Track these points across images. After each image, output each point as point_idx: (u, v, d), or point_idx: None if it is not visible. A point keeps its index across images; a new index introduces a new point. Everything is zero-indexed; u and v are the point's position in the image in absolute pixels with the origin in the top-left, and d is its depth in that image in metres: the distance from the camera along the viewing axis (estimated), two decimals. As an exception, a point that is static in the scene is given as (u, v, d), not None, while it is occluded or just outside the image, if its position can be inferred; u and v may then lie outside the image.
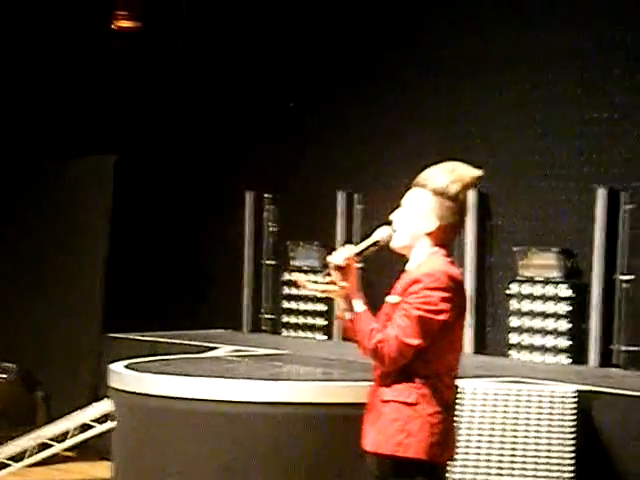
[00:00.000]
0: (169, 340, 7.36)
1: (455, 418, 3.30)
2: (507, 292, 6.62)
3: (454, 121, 7.22)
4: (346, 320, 3.20)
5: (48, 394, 7.89)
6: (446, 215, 3.18)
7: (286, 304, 8.01)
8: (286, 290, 8.02)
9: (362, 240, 3.32)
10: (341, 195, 7.73)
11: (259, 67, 8.55)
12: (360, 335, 3.14)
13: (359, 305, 3.17)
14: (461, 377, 5.10)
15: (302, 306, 7.91)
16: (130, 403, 5.61)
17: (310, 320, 7.84)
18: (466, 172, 3.24)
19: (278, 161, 8.35)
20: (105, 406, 6.44)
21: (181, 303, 8.66)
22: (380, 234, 3.23)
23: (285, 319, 8.01)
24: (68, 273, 8.51)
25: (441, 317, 3.09)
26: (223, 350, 6.77)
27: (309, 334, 7.81)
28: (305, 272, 7.89)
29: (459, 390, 4.99)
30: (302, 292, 7.91)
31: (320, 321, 7.76)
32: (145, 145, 9.09)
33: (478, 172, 3.27)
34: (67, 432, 6.80)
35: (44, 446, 6.81)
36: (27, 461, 6.80)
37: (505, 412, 4.95)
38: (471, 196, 6.89)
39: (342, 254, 3.21)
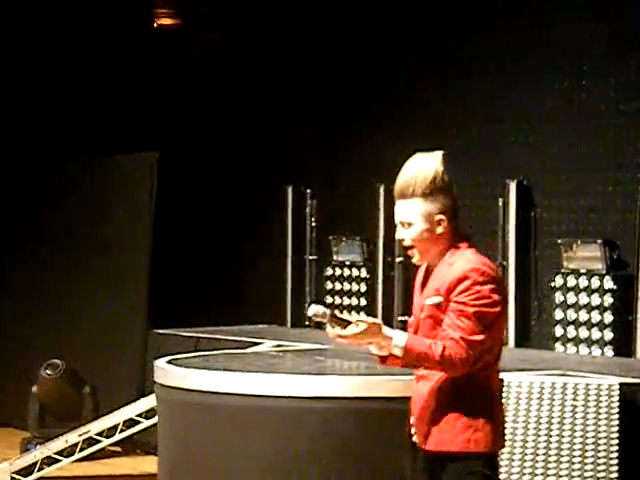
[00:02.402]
0: (213, 335, 7.41)
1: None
2: (551, 285, 6.58)
3: (492, 114, 7.18)
4: (389, 357, 3.13)
5: (95, 390, 7.97)
6: (448, 207, 3.18)
7: (329, 299, 8.03)
8: (329, 285, 8.04)
9: None
10: (382, 189, 7.72)
11: (300, 62, 8.57)
12: (422, 358, 3.08)
13: (398, 335, 3.09)
14: (507, 371, 5.12)
15: (345, 301, 7.93)
16: (175, 399, 5.65)
17: (353, 314, 7.84)
18: (434, 159, 3.21)
19: (319, 155, 8.37)
20: (151, 401, 6.50)
21: (224, 299, 8.71)
22: (313, 311, 3.11)
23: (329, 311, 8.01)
24: (113, 270, 8.60)
25: (496, 309, 3.10)
26: (267, 345, 6.80)
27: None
28: (348, 267, 7.90)
29: (505, 384, 4.98)
30: (344, 287, 7.94)
31: (363, 316, 7.76)
32: (187, 142, 9.15)
33: (440, 153, 3.23)
34: (114, 427, 6.88)
35: (91, 441, 6.89)
36: (75, 456, 6.90)
37: (550, 405, 4.92)
38: (513, 188, 6.86)
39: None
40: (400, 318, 7.50)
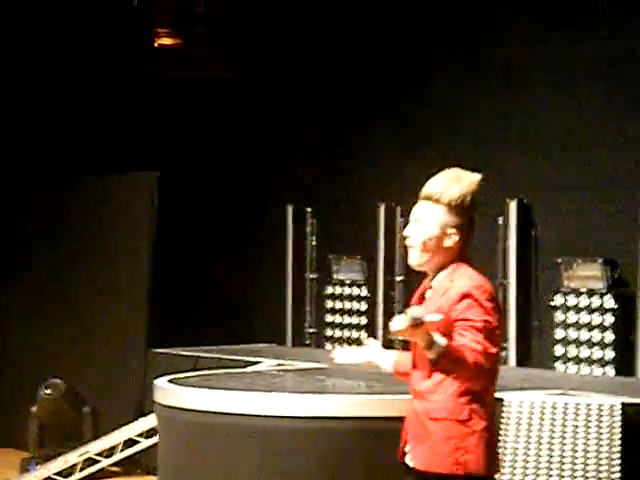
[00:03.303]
0: (213, 355, 7.39)
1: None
2: (551, 304, 6.57)
3: (493, 131, 7.19)
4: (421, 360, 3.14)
5: (94, 410, 7.95)
6: (464, 226, 3.20)
7: (329, 317, 8.02)
8: (329, 303, 8.03)
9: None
10: (382, 208, 7.72)
11: (300, 82, 8.60)
12: (459, 361, 3.05)
13: (440, 337, 3.05)
14: (507, 390, 5.10)
15: (345, 319, 7.92)
16: (175, 418, 5.64)
17: (353, 333, 7.84)
18: (472, 179, 3.25)
19: (319, 174, 8.38)
20: (151, 421, 6.49)
21: (224, 318, 8.70)
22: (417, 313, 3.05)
23: (328, 332, 8.02)
24: (113, 289, 8.59)
25: (496, 327, 3.12)
26: (267, 364, 6.79)
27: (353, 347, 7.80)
28: (348, 285, 7.90)
29: (505, 403, 4.97)
30: (345, 305, 7.93)
31: (362, 334, 7.76)
32: (188, 161, 9.16)
33: (479, 176, 3.27)
34: (114, 447, 6.86)
35: (91, 462, 6.88)
36: (75, 477, 6.88)
37: (552, 425, 4.90)
38: (513, 207, 6.86)
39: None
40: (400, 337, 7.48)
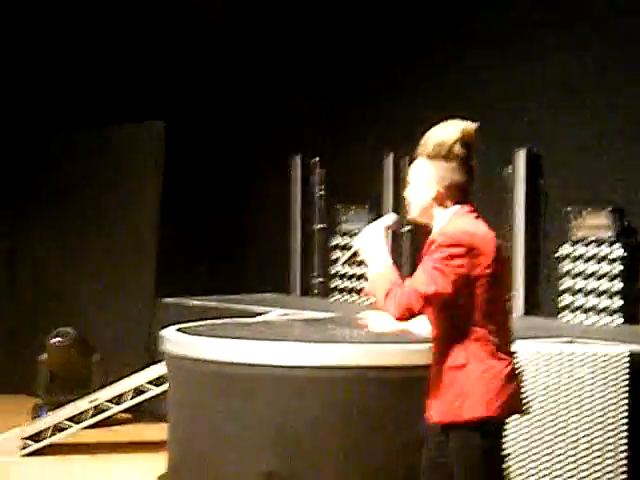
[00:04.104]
0: (221, 304, 7.42)
1: (516, 372, 3.24)
2: (559, 253, 6.57)
3: (502, 81, 7.14)
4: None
5: (104, 358, 8.01)
6: (446, 176, 3.22)
7: (335, 268, 8.03)
8: (337, 253, 8.04)
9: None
10: (391, 158, 7.69)
11: (308, 30, 8.52)
12: (378, 289, 3.16)
13: (378, 266, 3.18)
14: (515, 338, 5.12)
15: (353, 269, 7.93)
16: (183, 367, 5.67)
17: (360, 283, 7.85)
18: (455, 128, 3.24)
19: (327, 124, 8.34)
20: (160, 369, 6.54)
21: (232, 267, 8.72)
22: (387, 220, 3.33)
23: (335, 283, 8.04)
24: (121, 239, 8.61)
25: (457, 270, 3.10)
26: (274, 314, 6.82)
27: (359, 297, 7.84)
28: (355, 235, 7.87)
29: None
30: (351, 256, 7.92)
31: (365, 285, 7.76)
32: (194, 111, 9.12)
33: (470, 125, 3.26)
34: (123, 395, 6.92)
35: (101, 409, 6.94)
36: (84, 423, 6.95)
37: (559, 373, 4.93)
38: (521, 157, 6.83)
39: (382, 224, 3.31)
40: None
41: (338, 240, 8.02)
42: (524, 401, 3.27)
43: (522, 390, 3.26)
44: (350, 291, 7.91)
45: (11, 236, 9.42)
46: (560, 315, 6.54)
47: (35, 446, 6.89)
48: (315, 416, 4.94)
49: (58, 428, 6.94)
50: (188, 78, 9.14)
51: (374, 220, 3.44)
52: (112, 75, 9.21)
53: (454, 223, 3.19)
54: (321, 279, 8.27)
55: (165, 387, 6.38)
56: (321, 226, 8.33)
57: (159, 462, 6.02)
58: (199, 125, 9.10)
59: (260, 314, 6.83)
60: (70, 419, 6.93)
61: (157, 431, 6.99)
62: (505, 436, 3.22)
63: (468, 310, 3.14)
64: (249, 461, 5.21)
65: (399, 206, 7.63)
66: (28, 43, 9.27)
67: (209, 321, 6.45)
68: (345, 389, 4.92)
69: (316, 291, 8.27)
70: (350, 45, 8.21)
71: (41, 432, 6.92)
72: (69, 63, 9.25)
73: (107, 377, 7.70)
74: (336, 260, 7.96)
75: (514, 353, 3.27)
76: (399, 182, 7.67)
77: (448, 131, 3.23)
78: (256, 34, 8.86)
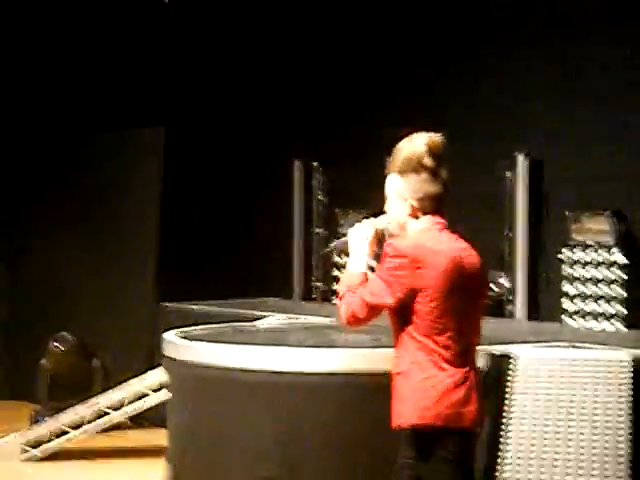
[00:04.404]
0: (221, 309, 7.42)
1: (466, 384, 3.22)
2: (559, 257, 6.56)
3: (501, 85, 7.14)
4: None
5: (104, 363, 8.01)
6: (417, 188, 3.26)
7: (335, 272, 8.02)
8: (336, 258, 8.03)
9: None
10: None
11: (308, 34, 8.52)
12: (340, 290, 3.28)
13: (359, 267, 3.28)
14: (514, 343, 5.11)
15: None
16: (183, 372, 5.67)
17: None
18: (422, 141, 3.28)
19: (327, 129, 8.34)
20: (160, 375, 6.53)
21: (232, 272, 8.71)
22: (378, 222, 3.39)
23: (335, 287, 8.03)
24: (122, 244, 8.61)
25: (401, 281, 3.16)
26: (275, 318, 6.81)
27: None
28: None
29: (512, 357, 4.97)
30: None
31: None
32: (194, 116, 9.12)
33: (436, 137, 3.29)
34: (123, 401, 6.91)
35: (100, 414, 6.93)
36: (84, 428, 6.94)
37: (560, 378, 4.92)
38: (521, 162, 6.83)
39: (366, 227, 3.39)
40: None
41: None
42: (474, 415, 3.22)
43: (473, 404, 3.22)
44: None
45: (12, 240, 9.43)
46: (560, 319, 6.53)
47: (35, 451, 6.88)
48: (313, 422, 4.93)
49: (58, 433, 6.94)
50: (189, 84, 9.14)
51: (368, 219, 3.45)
52: (114, 81, 9.21)
53: (411, 236, 3.26)
54: (321, 284, 8.27)
55: (165, 393, 6.38)
56: (321, 231, 8.32)
57: (159, 468, 6.01)
58: (200, 130, 9.10)
59: (260, 319, 6.82)
60: (69, 425, 6.93)
61: (157, 437, 6.98)
62: (445, 447, 3.15)
63: (414, 320, 3.18)
64: (248, 467, 5.20)
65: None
66: (29, 52, 9.28)
67: (210, 326, 6.44)
68: (343, 394, 4.91)
69: (315, 296, 8.26)
70: (351, 50, 8.21)
71: (41, 437, 6.91)
72: (71, 73, 9.27)
73: (107, 382, 7.70)
74: (335, 265, 7.97)
75: (469, 365, 3.26)
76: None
77: (415, 144, 3.28)
78: (256, 39, 8.86)
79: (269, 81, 8.78)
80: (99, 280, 8.71)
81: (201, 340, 5.69)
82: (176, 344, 5.74)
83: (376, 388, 4.85)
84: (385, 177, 3.43)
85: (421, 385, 3.15)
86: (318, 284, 8.30)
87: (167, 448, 5.85)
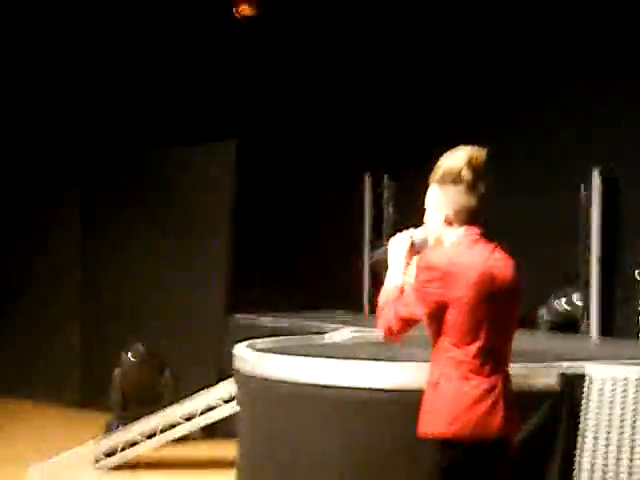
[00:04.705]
0: (292, 322, 7.43)
1: (493, 392, 3.26)
2: (637, 276, 6.45)
3: (580, 101, 7.05)
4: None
5: (176, 374, 8.08)
6: (455, 200, 3.31)
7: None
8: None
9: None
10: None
11: (378, 48, 8.53)
12: (380, 303, 3.39)
13: (398, 279, 3.38)
14: (589, 361, 5.02)
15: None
16: (253, 385, 5.68)
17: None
18: (463, 154, 3.33)
19: (397, 142, 8.33)
20: (231, 387, 6.57)
21: (302, 285, 8.74)
22: (416, 234, 3.47)
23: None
24: (194, 256, 8.70)
25: (433, 293, 3.23)
26: (345, 332, 6.80)
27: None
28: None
29: (586, 376, 4.89)
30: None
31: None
32: (266, 129, 9.19)
33: (478, 151, 3.33)
34: (194, 412, 6.97)
35: (172, 425, 7.00)
36: (156, 439, 7.01)
37: (635, 400, 4.82)
38: (596, 177, 6.73)
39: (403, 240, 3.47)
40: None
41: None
42: (500, 423, 3.25)
43: (499, 413, 3.26)
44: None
45: (83, 253, 9.59)
46: (636, 338, 6.41)
47: (108, 460, 6.97)
48: (385, 439, 4.89)
49: (130, 443, 7.01)
50: (261, 96, 9.21)
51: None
52: (186, 96, 9.33)
53: (445, 249, 3.31)
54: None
55: (235, 405, 6.41)
56: (391, 244, 8.29)
57: None
58: (271, 144, 9.16)
59: (330, 332, 6.81)
60: (143, 434, 7.00)
61: (227, 449, 7.02)
62: (471, 456, 3.22)
63: (444, 331, 3.25)
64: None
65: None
66: (107, 65, 9.46)
67: (280, 338, 6.45)
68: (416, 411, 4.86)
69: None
70: (425, 65, 8.19)
71: (114, 447, 7.00)
72: (146, 86, 9.42)
73: (178, 393, 7.76)
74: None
75: (499, 374, 3.29)
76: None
77: (456, 157, 3.34)
78: (330, 53, 8.89)
79: (341, 93, 8.80)
80: (171, 292, 8.81)
81: (271, 352, 5.70)
82: (246, 356, 5.76)
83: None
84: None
85: (449, 396, 3.22)
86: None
87: (237, 460, 5.88)
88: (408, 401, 4.83)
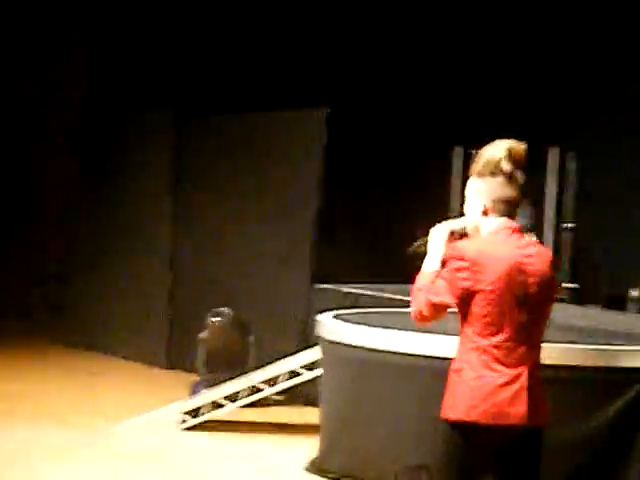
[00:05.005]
0: (375, 292, 7.46)
1: (515, 383, 3.28)
2: None
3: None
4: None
5: (259, 339, 8.20)
6: (493, 191, 3.36)
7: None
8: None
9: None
10: (553, 151, 7.53)
11: (473, 23, 8.44)
12: (417, 285, 3.42)
13: (435, 265, 3.41)
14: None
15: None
16: (336, 352, 5.76)
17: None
18: (503, 147, 3.38)
19: (487, 116, 8.24)
20: (313, 354, 6.65)
21: (388, 256, 8.73)
22: (455, 224, 3.50)
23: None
24: (282, 225, 8.76)
25: (461, 282, 3.30)
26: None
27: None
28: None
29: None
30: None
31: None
32: (357, 98, 9.18)
33: (518, 144, 3.39)
34: (277, 377, 7.07)
35: (255, 389, 7.11)
36: (240, 402, 7.14)
37: None
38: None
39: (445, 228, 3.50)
40: (566, 285, 7.36)
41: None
42: (523, 414, 3.29)
43: (522, 404, 3.29)
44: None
45: (174, 222, 9.74)
46: None
47: (193, 421, 7.12)
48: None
49: (215, 405, 7.15)
50: (354, 67, 9.19)
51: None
52: (281, 62, 9.38)
53: (477, 239, 3.37)
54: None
55: (318, 371, 6.49)
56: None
57: (311, 446, 6.13)
58: (362, 113, 9.14)
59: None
60: (226, 397, 7.14)
61: (309, 415, 7.12)
62: (490, 442, 3.27)
63: (470, 320, 3.31)
64: (399, 452, 5.24)
65: (564, 199, 7.48)
66: (206, 33, 9.57)
67: (362, 309, 6.50)
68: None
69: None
70: (514, 42, 8.08)
71: (199, 408, 7.15)
72: (233, 52, 9.49)
73: (262, 359, 7.87)
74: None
75: (525, 366, 3.32)
76: (563, 176, 7.51)
77: (496, 149, 3.39)
78: (422, 21, 8.83)
79: (435, 64, 8.74)
80: (256, 259, 8.90)
81: (354, 322, 5.76)
82: (330, 325, 5.83)
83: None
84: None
85: (471, 384, 3.29)
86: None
87: (320, 426, 5.97)
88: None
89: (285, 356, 7.13)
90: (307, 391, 7.27)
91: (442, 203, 8.37)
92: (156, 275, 9.74)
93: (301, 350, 7.06)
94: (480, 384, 3.28)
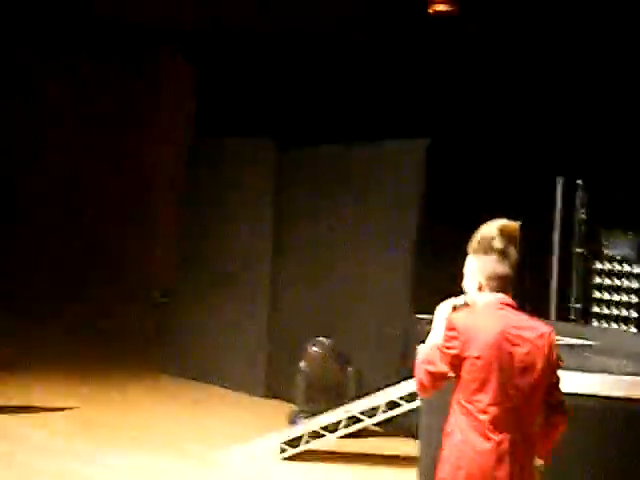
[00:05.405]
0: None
1: (500, 448, 3.37)
2: None
3: None
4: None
5: (358, 370, 8.19)
6: (486, 268, 3.52)
7: (596, 293, 7.80)
8: (597, 279, 7.80)
9: None
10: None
11: (577, 50, 8.34)
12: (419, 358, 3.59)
13: (437, 339, 3.56)
14: None
15: (613, 297, 7.67)
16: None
17: (622, 311, 7.58)
18: (495, 226, 3.56)
19: (592, 146, 8.12)
20: (412, 386, 6.62)
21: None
22: (457, 301, 3.66)
23: (595, 309, 7.80)
24: (381, 254, 8.76)
25: (451, 351, 3.46)
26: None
27: (620, 326, 7.57)
28: (618, 262, 7.63)
29: None
30: (614, 282, 7.68)
31: (633, 313, 7.49)
32: (457, 129, 9.15)
33: (510, 223, 3.56)
34: (376, 408, 7.05)
35: (354, 419, 7.11)
36: (339, 433, 7.14)
37: None
38: None
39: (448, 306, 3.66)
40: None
41: (600, 265, 7.79)
42: (511, 478, 3.38)
43: (504, 469, 3.38)
44: (610, 318, 7.65)
45: (273, 252, 9.81)
46: None
47: (293, 451, 7.15)
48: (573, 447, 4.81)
49: (314, 435, 7.17)
50: (455, 96, 9.17)
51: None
52: (383, 93, 9.42)
53: (468, 312, 3.52)
54: (579, 304, 8.05)
55: (417, 403, 6.45)
56: (581, 250, 8.11)
57: (409, 477, 6.09)
58: (462, 144, 9.11)
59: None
60: (325, 428, 7.15)
61: (408, 446, 7.08)
62: None
63: (461, 386, 3.47)
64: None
65: None
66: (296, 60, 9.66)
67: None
68: (595, 419, 4.78)
69: (572, 317, 8.05)
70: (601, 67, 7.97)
71: (298, 438, 7.18)
72: (340, 83, 9.57)
73: (360, 389, 7.87)
74: (595, 286, 7.75)
75: (512, 432, 3.39)
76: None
77: (489, 228, 3.57)
78: (524, 52, 8.77)
79: (536, 95, 8.66)
80: (357, 290, 8.91)
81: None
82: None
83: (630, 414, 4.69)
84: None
85: (458, 447, 3.42)
86: (576, 305, 8.08)
87: (420, 459, 5.92)
88: (587, 408, 4.76)
89: (384, 387, 7.11)
90: (407, 422, 7.23)
91: (544, 233, 8.26)
92: (256, 306, 9.83)
93: (401, 381, 7.03)
94: (466, 448, 3.40)
